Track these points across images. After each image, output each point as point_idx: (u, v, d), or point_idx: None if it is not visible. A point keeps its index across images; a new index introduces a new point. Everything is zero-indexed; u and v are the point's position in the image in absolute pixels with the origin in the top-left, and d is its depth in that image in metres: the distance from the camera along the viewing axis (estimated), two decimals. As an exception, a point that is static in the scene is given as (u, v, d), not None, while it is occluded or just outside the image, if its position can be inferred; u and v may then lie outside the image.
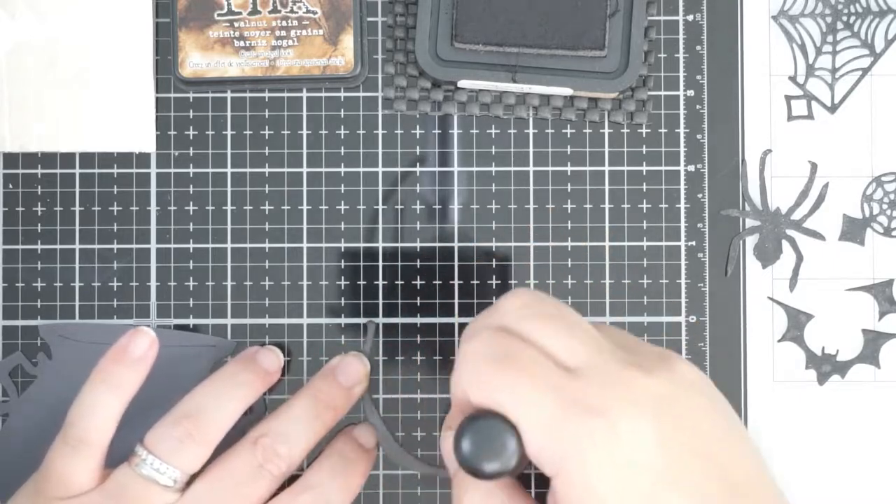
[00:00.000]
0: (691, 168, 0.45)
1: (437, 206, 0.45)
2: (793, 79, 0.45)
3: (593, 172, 0.45)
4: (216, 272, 0.44)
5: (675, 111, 0.45)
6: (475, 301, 0.44)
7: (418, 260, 0.44)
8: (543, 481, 0.43)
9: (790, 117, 0.45)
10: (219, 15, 0.43)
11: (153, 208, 0.45)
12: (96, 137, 0.44)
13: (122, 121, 0.44)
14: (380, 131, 0.45)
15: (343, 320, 0.44)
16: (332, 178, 0.45)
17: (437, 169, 0.45)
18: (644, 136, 0.45)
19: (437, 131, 0.45)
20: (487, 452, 0.30)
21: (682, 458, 0.29)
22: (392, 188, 0.45)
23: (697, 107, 0.45)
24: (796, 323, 0.44)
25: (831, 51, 0.45)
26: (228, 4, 0.43)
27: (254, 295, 0.44)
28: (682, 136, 0.45)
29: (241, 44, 0.43)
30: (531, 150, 0.45)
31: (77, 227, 0.45)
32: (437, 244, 0.44)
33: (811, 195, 0.45)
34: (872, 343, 0.44)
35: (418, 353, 0.44)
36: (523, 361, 0.31)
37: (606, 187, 0.45)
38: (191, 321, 0.44)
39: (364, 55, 0.44)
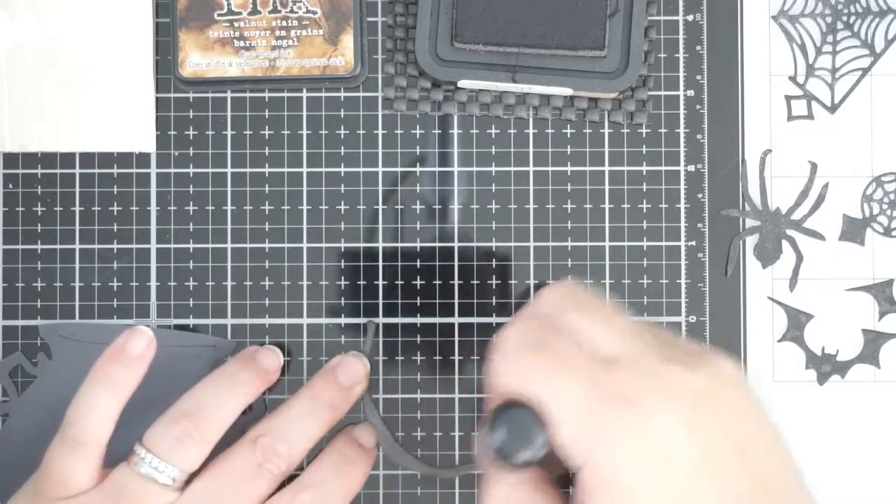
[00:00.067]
0: (691, 168, 0.45)
1: (437, 206, 0.45)
2: (793, 79, 0.45)
3: (593, 172, 0.45)
4: (216, 272, 0.44)
5: (675, 111, 0.45)
6: (475, 301, 0.44)
7: (418, 260, 0.44)
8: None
9: (790, 117, 0.45)
10: (219, 15, 0.43)
11: (153, 208, 0.45)
12: (96, 137, 0.44)
13: (122, 121, 0.44)
14: (380, 131, 0.45)
15: (343, 320, 0.44)
16: (332, 178, 0.45)
17: (437, 169, 0.45)
18: (644, 136, 0.45)
19: (437, 131, 0.45)
20: (519, 441, 0.30)
21: (718, 454, 0.29)
22: (392, 188, 0.45)
23: (697, 107, 0.45)
24: (796, 323, 0.44)
25: (831, 51, 0.45)
26: (228, 4, 0.43)
27: (254, 295, 0.44)
28: (682, 136, 0.45)
29: (241, 44, 0.43)
30: (531, 150, 0.45)
31: (77, 227, 0.45)
32: (437, 244, 0.45)
33: (811, 195, 0.45)
34: (872, 343, 0.44)
35: (418, 353, 0.44)
36: (559, 350, 0.30)
37: (606, 187, 0.45)
38: (191, 321, 0.44)
39: (364, 55, 0.44)
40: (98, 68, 0.44)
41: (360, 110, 0.45)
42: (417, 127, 0.45)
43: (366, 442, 0.42)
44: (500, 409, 0.31)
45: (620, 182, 0.45)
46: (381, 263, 0.44)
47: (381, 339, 0.44)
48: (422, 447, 0.44)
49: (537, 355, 0.31)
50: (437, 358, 0.44)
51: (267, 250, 0.45)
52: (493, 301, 0.44)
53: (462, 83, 0.43)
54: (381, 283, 0.44)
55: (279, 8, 0.43)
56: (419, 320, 0.44)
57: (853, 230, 0.45)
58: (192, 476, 0.38)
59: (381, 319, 0.44)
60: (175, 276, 0.44)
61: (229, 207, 0.45)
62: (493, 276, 0.44)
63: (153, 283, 0.44)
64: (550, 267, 0.44)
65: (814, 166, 0.45)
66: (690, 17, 0.45)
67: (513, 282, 0.44)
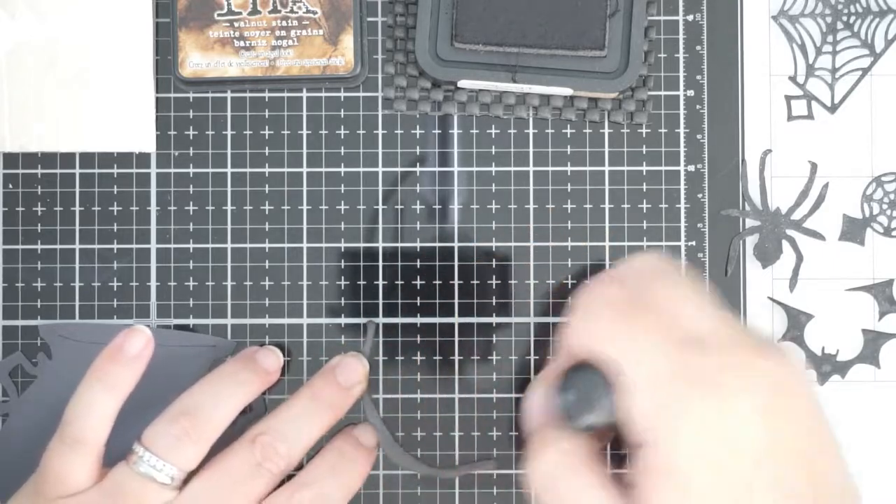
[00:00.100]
0: (691, 168, 0.45)
1: (437, 206, 0.45)
2: (793, 79, 0.45)
3: (593, 172, 0.45)
4: (216, 272, 0.44)
5: (675, 111, 0.45)
6: (475, 301, 0.44)
7: (418, 260, 0.44)
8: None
9: (790, 117, 0.45)
10: (219, 15, 0.43)
11: (153, 208, 0.45)
12: (96, 137, 0.44)
13: (122, 121, 0.44)
14: (380, 131, 0.45)
15: (343, 320, 0.44)
16: (332, 178, 0.45)
17: (437, 169, 0.45)
18: (644, 136, 0.45)
19: (437, 131, 0.45)
20: (588, 404, 0.30)
21: (783, 447, 0.29)
22: (392, 188, 0.45)
23: (697, 107, 0.45)
24: (796, 323, 0.44)
25: (831, 51, 0.45)
26: (228, 4, 0.43)
27: (254, 295, 0.44)
28: (682, 136, 0.45)
29: (241, 44, 0.43)
30: (531, 150, 0.45)
31: (77, 227, 0.45)
32: (437, 244, 0.44)
33: (811, 195, 0.45)
34: (872, 343, 0.44)
35: (418, 353, 0.44)
36: (647, 318, 0.30)
37: (606, 187, 0.45)
38: (191, 321, 0.44)
39: (364, 55, 0.44)
40: (98, 68, 0.44)
41: (360, 110, 0.45)
42: (417, 127, 0.45)
43: (366, 441, 0.42)
44: (572, 370, 0.30)
45: (620, 182, 0.45)
46: (381, 263, 0.44)
47: (380, 339, 0.44)
48: (422, 447, 0.44)
49: (623, 320, 0.30)
50: (437, 358, 0.44)
51: (267, 250, 0.45)
52: (493, 301, 0.44)
53: (462, 83, 0.43)
54: (381, 283, 0.44)
55: (279, 8, 0.43)
56: (419, 320, 0.44)
57: (853, 230, 0.45)
58: (191, 475, 0.38)
59: (381, 319, 0.44)
60: (175, 276, 0.44)
61: (229, 207, 0.45)
62: (493, 276, 0.44)
63: (153, 283, 0.44)
64: (550, 267, 0.44)
65: (814, 166, 0.45)
66: (690, 17, 0.45)
67: (513, 282, 0.44)
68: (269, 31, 0.43)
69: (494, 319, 0.44)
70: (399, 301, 0.44)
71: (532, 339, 0.44)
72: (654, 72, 0.45)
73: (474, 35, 0.41)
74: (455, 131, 0.45)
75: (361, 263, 0.44)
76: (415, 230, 0.45)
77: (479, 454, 0.44)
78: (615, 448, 0.35)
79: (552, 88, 0.42)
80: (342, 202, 0.45)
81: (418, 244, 0.45)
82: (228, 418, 0.39)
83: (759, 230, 0.45)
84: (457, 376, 0.44)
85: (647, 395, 0.29)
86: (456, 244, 0.45)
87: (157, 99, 0.45)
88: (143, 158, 0.45)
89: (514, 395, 0.44)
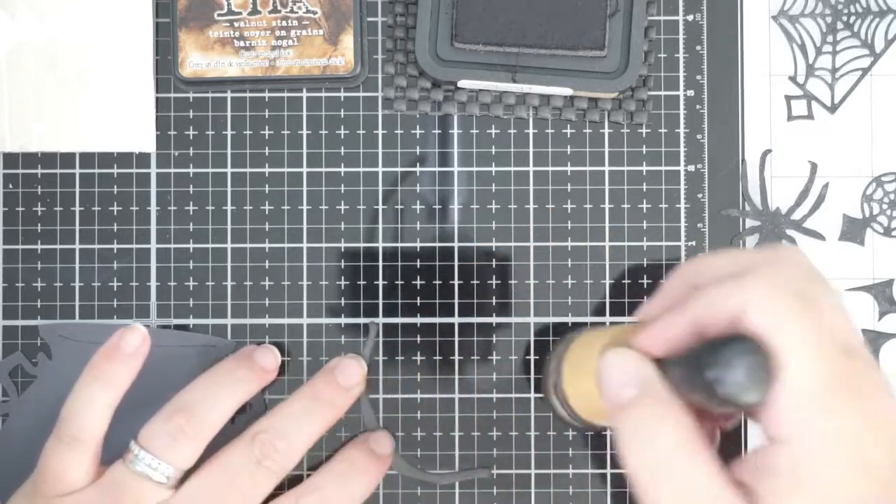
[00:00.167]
0: (691, 168, 0.45)
1: (437, 206, 0.45)
2: (793, 79, 0.45)
3: (593, 172, 0.45)
4: (216, 272, 0.44)
5: (675, 111, 0.45)
6: (475, 301, 0.44)
7: (418, 260, 0.44)
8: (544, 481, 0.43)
9: (790, 117, 0.45)
10: (219, 15, 0.43)
11: (153, 208, 0.45)
12: (96, 137, 0.44)
13: (122, 121, 0.44)
14: (380, 131, 0.45)
15: (343, 320, 0.44)
16: (332, 178, 0.45)
17: (437, 169, 0.45)
18: (644, 136, 0.45)
19: (437, 131, 0.45)
20: (747, 383, 0.28)
21: None
22: (392, 188, 0.45)
23: (697, 107, 0.45)
24: (796, 323, 0.44)
25: (831, 51, 0.45)
26: (228, 4, 0.43)
27: (254, 295, 0.44)
28: (682, 136, 0.45)
29: (241, 44, 0.43)
30: (531, 150, 0.45)
31: (77, 227, 0.45)
32: (437, 244, 0.44)
33: (811, 195, 0.45)
34: (872, 343, 0.44)
35: (418, 353, 0.44)
36: (819, 319, 0.29)
37: (606, 187, 0.45)
38: (191, 321, 0.44)
39: (364, 55, 0.44)
40: (98, 68, 0.44)
41: (360, 110, 0.45)
42: (417, 127, 0.45)
43: (380, 450, 0.42)
44: (722, 344, 0.29)
45: (620, 182, 0.45)
46: (381, 263, 0.44)
47: (381, 340, 0.44)
48: (422, 447, 0.44)
49: (805, 305, 0.29)
50: (437, 358, 0.44)
51: (267, 250, 0.45)
52: (493, 301, 0.44)
53: (462, 83, 0.43)
54: (381, 283, 0.44)
55: (279, 8, 0.43)
56: (419, 320, 0.44)
57: (853, 230, 0.45)
58: (190, 472, 0.38)
59: (382, 319, 0.44)
60: (175, 276, 0.44)
61: (229, 207, 0.45)
62: (493, 276, 0.44)
63: (153, 283, 0.44)
64: (550, 267, 0.44)
65: (814, 166, 0.45)
66: (690, 17, 0.45)
67: (513, 282, 0.44)
68: (269, 31, 0.43)
69: (494, 319, 0.44)
70: (399, 301, 0.44)
71: (532, 339, 0.44)
72: (654, 72, 0.45)
73: (474, 35, 0.41)
74: (455, 131, 0.45)
75: (361, 263, 0.44)
76: (415, 230, 0.45)
77: (479, 455, 0.44)
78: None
79: (552, 88, 0.42)
80: (342, 202, 0.45)
81: (418, 244, 0.45)
82: (225, 416, 0.39)
83: (759, 230, 0.45)
84: (457, 376, 0.44)
85: (808, 389, 0.28)
86: (456, 244, 0.45)
87: (157, 99, 0.45)
88: (143, 158, 0.45)
89: (513, 396, 0.44)
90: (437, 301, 0.44)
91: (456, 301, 0.44)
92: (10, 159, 0.45)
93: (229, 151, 0.45)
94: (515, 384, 0.44)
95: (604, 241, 0.45)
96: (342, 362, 0.42)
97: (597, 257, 0.44)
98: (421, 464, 0.44)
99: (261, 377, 0.41)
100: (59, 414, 0.38)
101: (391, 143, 0.45)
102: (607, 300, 0.44)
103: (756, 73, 0.45)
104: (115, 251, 0.44)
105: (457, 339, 0.44)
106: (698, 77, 0.45)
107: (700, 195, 0.45)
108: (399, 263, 0.44)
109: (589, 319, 0.44)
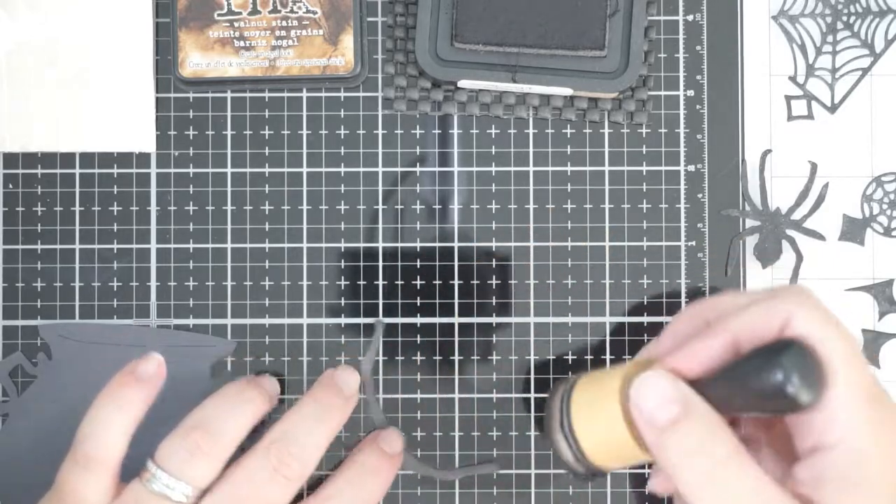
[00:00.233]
0: (691, 168, 0.45)
1: (437, 206, 0.45)
2: (793, 79, 0.45)
3: (593, 172, 0.45)
4: (216, 272, 0.44)
5: (675, 111, 0.45)
6: (475, 301, 0.44)
7: (418, 260, 0.44)
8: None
9: (790, 117, 0.45)
10: (219, 15, 0.43)
11: (153, 208, 0.45)
12: (96, 137, 0.44)
13: (122, 121, 0.44)
14: (380, 131, 0.45)
15: (343, 320, 0.44)
16: (332, 178, 0.45)
17: (437, 169, 0.45)
18: (644, 136, 0.45)
19: (437, 131, 0.45)
20: (804, 382, 0.29)
21: None
22: (392, 188, 0.45)
23: (697, 107, 0.45)
24: (796, 323, 0.44)
25: (831, 51, 0.45)
26: (228, 4, 0.43)
27: (254, 295, 0.44)
28: (682, 136, 0.45)
29: (241, 44, 0.43)
30: (531, 150, 0.45)
31: (77, 227, 0.45)
32: (437, 244, 0.44)
33: (811, 195, 0.45)
34: (872, 343, 0.44)
35: (418, 353, 0.44)
36: (855, 344, 0.32)
37: (606, 187, 0.45)
38: (191, 321, 0.44)
39: (364, 55, 0.44)
40: (98, 68, 0.44)
41: (360, 110, 0.45)
42: (417, 127, 0.45)
43: (391, 448, 0.42)
44: (787, 346, 0.30)
45: (620, 182, 0.45)
46: (381, 263, 0.44)
47: (381, 340, 0.44)
48: (422, 447, 0.44)
49: (840, 327, 0.31)
50: (437, 358, 0.44)
51: (267, 250, 0.45)
52: (493, 301, 0.44)
53: (462, 83, 0.43)
54: (381, 283, 0.44)
55: (279, 8, 0.43)
56: (419, 320, 0.44)
57: (853, 230, 0.45)
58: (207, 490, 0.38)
59: (381, 320, 0.44)
60: (175, 276, 0.44)
61: (229, 207, 0.45)
62: (493, 276, 0.44)
63: (153, 283, 0.44)
64: (550, 267, 0.44)
65: (814, 166, 0.45)
66: (690, 17, 0.45)
67: (513, 282, 0.44)
68: (269, 31, 0.43)
69: (494, 319, 0.44)
70: (399, 301, 0.44)
71: (532, 339, 0.44)
72: (654, 72, 0.45)
73: (474, 35, 0.41)
74: (455, 131, 0.45)
75: (361, 263, 0.44)
76: (415, 230, 0.45)
77: (479, 455, 0.44)
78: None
79: (552, 88, 0.42)
80: (342, 202, 0.45)
81: (418, 244, 0.45)
82: (241, 433, 0.39)
83: (759, 230, 0.45)
84: (457, 376, 0.44)
85: (856, 400, 0.30)
86: (456, 244, 0.45)
87: (157, 99, 0.45)
88: (143, 158, 0.45)
89: (513, 396, 0.44)
90: (437, 301, 0.44)
91: (456, 301, 0.44)
92: (10, 159, 0.45)
93: (229, 151, 0.45)
94: (515, 384, 0.44)
95: (604, 241, 0.45)
96: (338, 373, 0.42)
97: (597, 257, 0.44)
98: (423, 463, 0.44)
99: (268, 400, 0.41)
100: (75, 435, 0.38)
101: (391, 143, 0.45)
102: (607, 300, 0.44)
103: (756, 73, 0.45)
104: (115, 251, 0.44)
105: (457, 339, 0.44)
106: (698, 77, 0.45)
107: (700, 195, 0.45)
108: (399, 263, 0.44)
109: (589, 320, 0.44)
